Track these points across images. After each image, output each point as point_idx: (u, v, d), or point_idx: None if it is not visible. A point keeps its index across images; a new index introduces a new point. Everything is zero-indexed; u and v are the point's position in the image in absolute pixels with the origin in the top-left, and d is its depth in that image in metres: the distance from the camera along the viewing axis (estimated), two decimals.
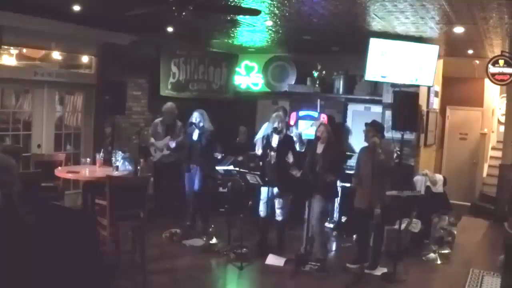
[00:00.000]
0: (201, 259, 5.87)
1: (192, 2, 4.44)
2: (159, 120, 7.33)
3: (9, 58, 6.83)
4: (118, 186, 4.76)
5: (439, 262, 6.09)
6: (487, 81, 8.17)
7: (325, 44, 7.76)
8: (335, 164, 5.71)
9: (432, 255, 6.18)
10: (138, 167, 6.20)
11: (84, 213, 5.22)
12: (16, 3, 5.59)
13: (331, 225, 7.19)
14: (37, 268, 2.75)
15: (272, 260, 5.79)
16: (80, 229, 3.08)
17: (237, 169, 6.30)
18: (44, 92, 7.04)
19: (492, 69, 6.91)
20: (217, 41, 8.44)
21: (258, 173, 5.81)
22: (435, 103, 8.83)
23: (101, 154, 6.02)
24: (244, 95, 9.62)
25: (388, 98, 7.48)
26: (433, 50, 6.84)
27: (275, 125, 5.99)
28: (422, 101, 7.63)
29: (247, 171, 6.02)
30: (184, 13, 4.51)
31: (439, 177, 7.27)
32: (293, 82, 8.88)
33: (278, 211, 6.05)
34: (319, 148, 5.69)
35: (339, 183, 6.93)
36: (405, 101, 5.74)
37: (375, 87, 8.08)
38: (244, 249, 5.78)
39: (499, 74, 6.89)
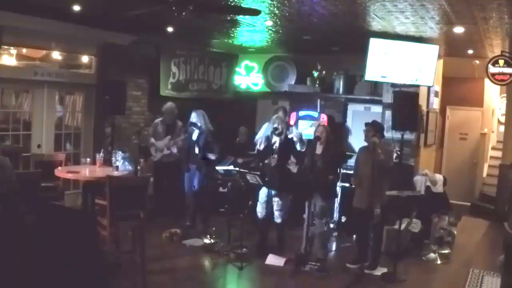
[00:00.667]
0: (201, 259, 5.87)
1: (192, 2, 4.44)
2: (159, 120, 7.34)
3: (9, 58, 6.82)
4: (118, 186, 4.75)
5: (439, 262, 6.09)
6: (487, 81, 8.17)
7: (325, 44, 7.75)
8: (335, 165, 5.70)
9: (432, 255, 6.18)
10: (138, 167, 6.18)
11: (84, 213, 5.23)
12: (16, 3, 5.59)
13: (331, 225, 7.19)
14: (37, 268, 2.75)
15: (272, 260, 5.79)
16: (80, 229, 3.08)
17: (237, 169, 6.30)
18: (44, 92, 7.04)
19: (492, 69, 6.91)
20: (217, 41, 8.44)
21: (258, 173, 5.81)
22: (435, 103, 8.82)
23: (101, 154, 6.01)
24: (244, 95, 9.62)
25: (388, 98, 7.47)
26: (433, 50, 6.84)
27: (275, 125, 5.99)
28: (422, 101, 7.62)
29: (247, 171, 6.02)
30: (184, 13, 4.51)
31: (439, 177, 7.28)
32: (293, 82, 8.87)
33: (276, 213, 6.04)
34: (319, 149, 5.69)
35: (338, 183, 6.95)
36: (405, 101, 5.75)
37: (375, 87, 8.08)
38: (244, 249, 5.79)
39: (499, 74, 6.88)
